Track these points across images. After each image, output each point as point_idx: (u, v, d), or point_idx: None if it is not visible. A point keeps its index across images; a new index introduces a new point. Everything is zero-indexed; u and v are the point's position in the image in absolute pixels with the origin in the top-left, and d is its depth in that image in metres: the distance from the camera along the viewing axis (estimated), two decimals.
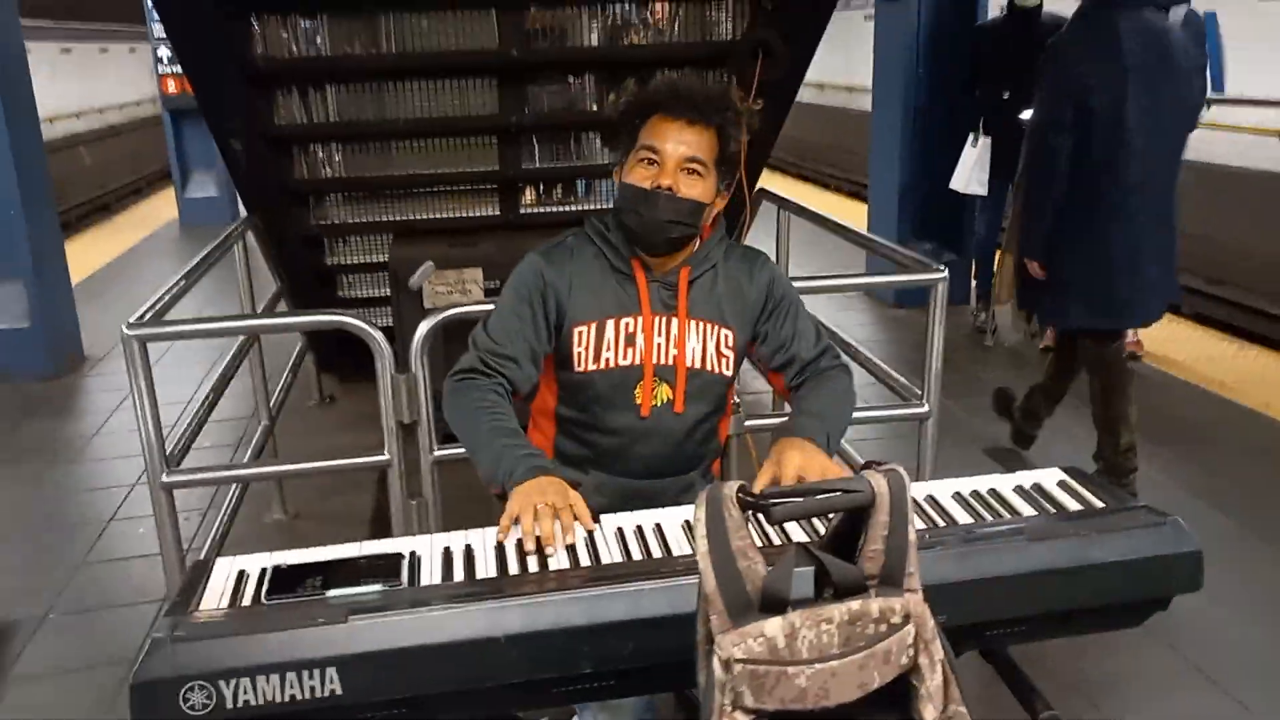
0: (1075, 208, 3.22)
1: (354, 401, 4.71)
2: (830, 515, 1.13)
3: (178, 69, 9.14)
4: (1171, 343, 5.22)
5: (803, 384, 1.87)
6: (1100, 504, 1.58)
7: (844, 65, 11.89)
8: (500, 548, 1.50)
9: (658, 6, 4.16)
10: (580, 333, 1.80)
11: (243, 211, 9.06)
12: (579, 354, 1.80)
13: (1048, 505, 1.59)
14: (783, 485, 1.56)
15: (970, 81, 5.25)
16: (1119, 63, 3.07)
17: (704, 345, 1.81)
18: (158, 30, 9.21)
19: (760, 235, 3.81)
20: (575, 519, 1.53)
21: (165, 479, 2.28)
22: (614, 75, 4.03)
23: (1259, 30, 8.85)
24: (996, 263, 3.85)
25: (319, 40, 3.47)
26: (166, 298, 2.47)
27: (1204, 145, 8.76)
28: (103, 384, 5.08)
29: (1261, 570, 3.04)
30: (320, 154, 3.90)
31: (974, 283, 5.67)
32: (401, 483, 2.36)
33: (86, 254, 8.01)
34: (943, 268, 2.47)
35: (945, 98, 5.58)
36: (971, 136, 5.18)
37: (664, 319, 1.81)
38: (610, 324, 1.80)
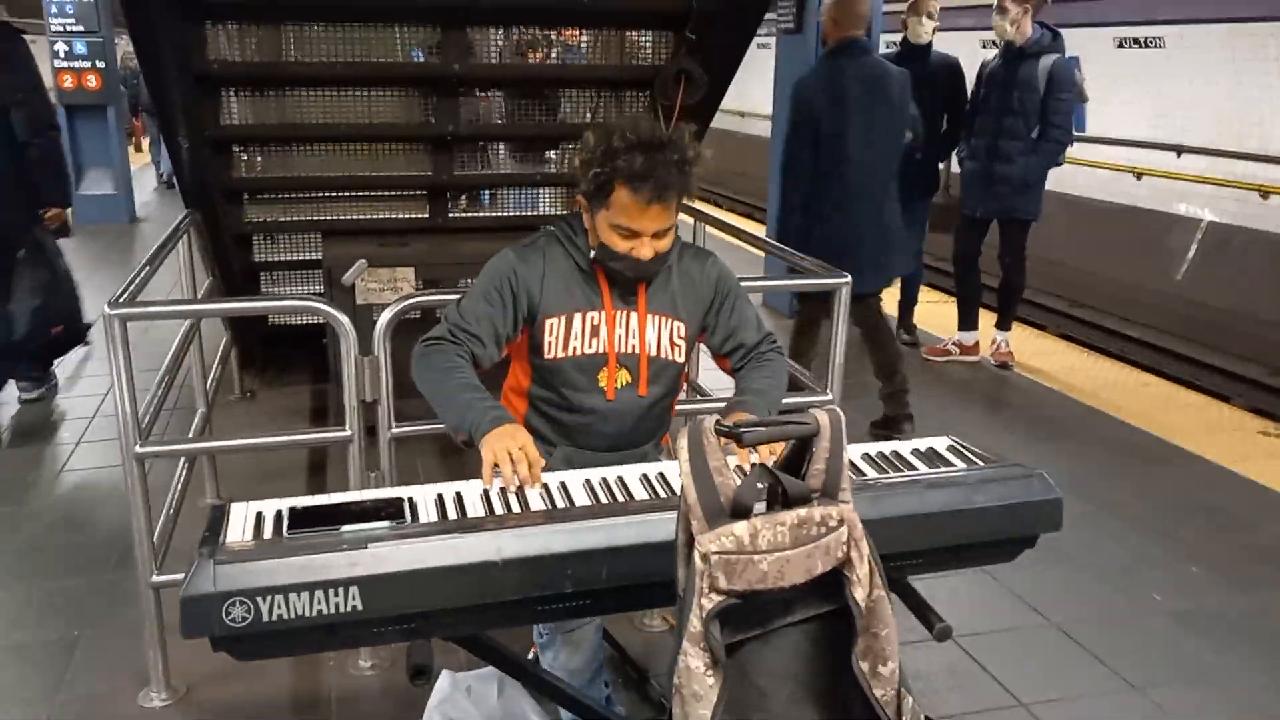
0: (814, 205, 4.12)
1: (273, 396, 4.82)
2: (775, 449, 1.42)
3: (75, 64, 9.00)
4: (1040, 356, 5.75)
5: (745, 366, 2.16)
6: (982, 463, 1.92)
7: (737, 90, 12.40)
8: (485, 493, 1.74)
9: (575, 32, 4.45)
10: (551, 324, 2.04)
11: (138, 211, 8.94)
12: (550, 343, 2.05)
13: (939, 463, 1.91)
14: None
15: None
16: (842, 101, 4.00)
17: (659, 336, 2.08)
18: (55, 24, 9.03)
19: None
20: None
21: (139, 450, 2.41)
22: (538, 92, 4.30)
23: (1117, 75, 9.70)
24: None
25: (266, 49, 3.64)
26: (137, 281, 2.60)
27: (1066, 179, 9.57)
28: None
29: (1110, 541, 3.49)
30: (256, 156, 4.04)
31: None
32: (361, 457, 2.56)
33: None
34: (845, 274, 2.82)
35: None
36: None
37: (625, 313, 2.06)
38: (578, 317, 2.05)
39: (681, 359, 2.12)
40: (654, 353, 2.08)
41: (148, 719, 2.50)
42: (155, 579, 2.48)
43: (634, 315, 2.06)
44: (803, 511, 1.28)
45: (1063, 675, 2.74)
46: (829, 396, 2.89)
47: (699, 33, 3.62)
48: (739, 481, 1.27)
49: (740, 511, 1.26)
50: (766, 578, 1.25)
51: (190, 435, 3.54)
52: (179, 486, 3.03)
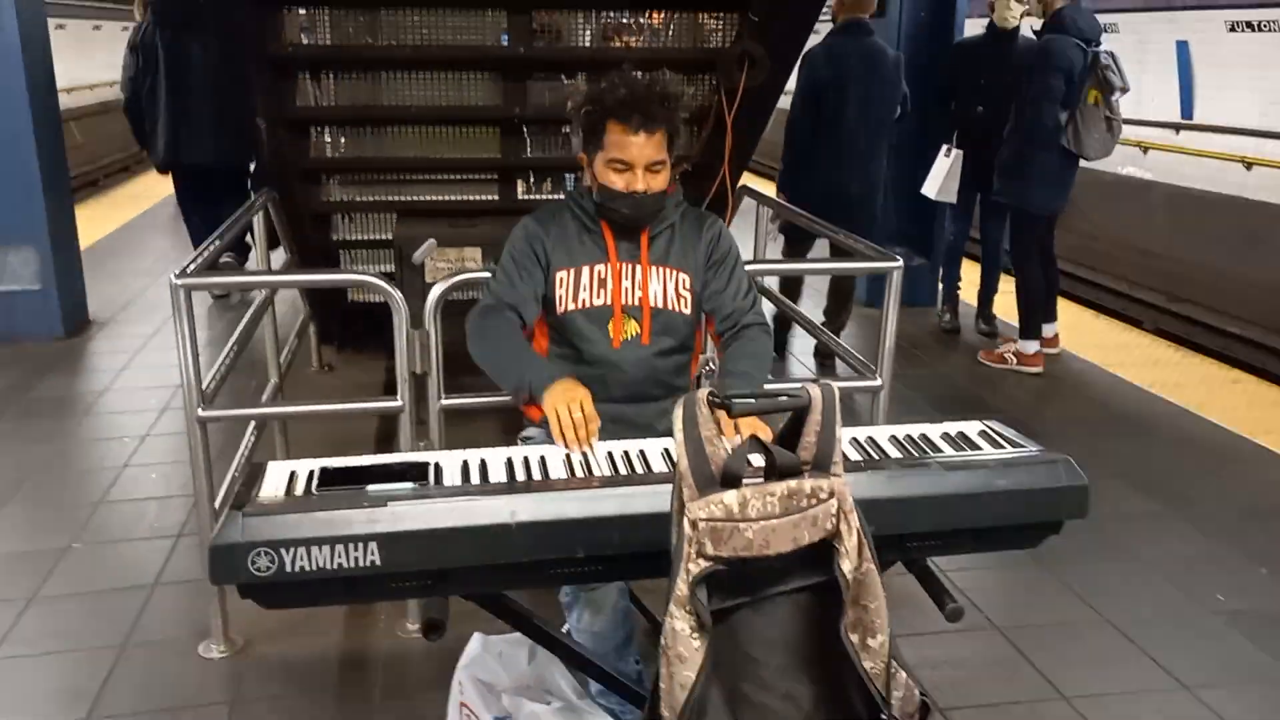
0: (811, 162, 4.75)
1: (351, 371, 4.99)
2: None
3: None
4: (1124, 350, 5.57)
5: (730, 338, 2.21)
6: (1010, 448, 1.89)
7: None
8: (509, 460, 1.79)
9: (654, 14, 4.47)
10: (561, 277, 2.17)
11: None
12: (560, 295, 2.17)
13: (966, 447, 1.89)
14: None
15: (946, 95, 5.57)
16: (843, 74, 4.64)
17: (664, 288, 2.18)
18: None
19: (740, 226, 4.13)
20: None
21: (201, 414, 2.54)
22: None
23: (1228, 60, 9.29)
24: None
25: (340, 31, 3.76)
26: (205, 254, 2.73)
27: (1170, 169, 9.17)
28: (110, 346, 5.33)
29: (1176, 539, 3.39)
30: (334, 137, 4.18)
31: (940, 286, 5.98)
32: (412, 427, 2.64)
33: (84, 226, 8.21)
34: (897, 257, 2.78)
35: (920, 111, 5.89)
36: (945, 148, 5.50)
37: (630, 266, 2.18)
38: (585, 270, 2.17)
39: (689, 311, 2.21)
40: (659, 304, 2.17)
41: (205, 668, 2.64)
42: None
43: (638, 268, 2.17)
44: (793, 483, 1.29)
45: (1111, 670, 2.67)
46: (879, 382, 2.86)
47: (762, 15, 3.61)
48: (729, 452, 1.29)
49: (730, 481, 1.28)
50: (752, 545, 1.27)
51: (264, 399, 3.69)
52: (246, 452, 3.17)
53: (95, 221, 8.42)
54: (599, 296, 2.16)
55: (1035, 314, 5.12)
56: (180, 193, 6.28)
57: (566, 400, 1.90)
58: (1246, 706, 2.52)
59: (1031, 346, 5.11)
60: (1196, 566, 3.21)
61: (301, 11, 3.64)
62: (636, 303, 2.16)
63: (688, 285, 2.20)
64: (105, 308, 5.92)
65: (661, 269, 2.18)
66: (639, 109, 2.02)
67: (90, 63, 14.00)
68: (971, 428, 1.99)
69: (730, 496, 1.27)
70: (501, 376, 2.09)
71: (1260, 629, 2.85)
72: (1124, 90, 4.66)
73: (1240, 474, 3.94)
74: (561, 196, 4.88)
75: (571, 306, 2.16)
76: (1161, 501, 3.65)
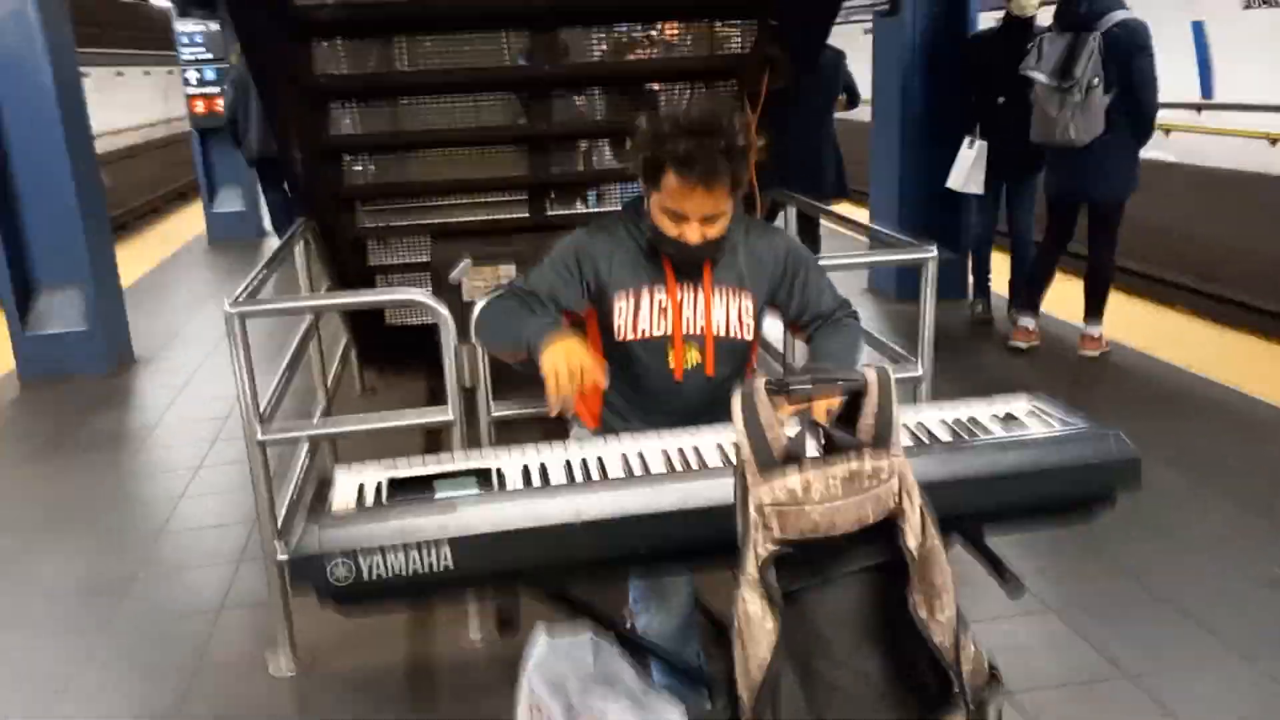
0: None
1: (393, 392, 5.07)
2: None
3: (206, 90, 9.56)
4: (1156, 330, 5.55)
5: (820, 328, 2.17)
6: (1059, 424, 1.91)
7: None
8: (568, 462, 1.84)
9: (668, 26, 4.53)
10: (619, 303, 2.11)
11: (266, 225, 9.46)
12: (619, 324, 2.11)
13: (1017, 424, 1.92)
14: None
15: (966, 87, 5.59)
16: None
17: (727, 314, 2.11)
18: (186, 54, 9.61)
19: None
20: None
21: (261, 436, 2.62)
22: (634, 88, 4.40)
23: (1246, 37, 9.23)
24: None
25: (369, 61, 3.85)
26: (255, 283, 2.80)
27: (1193, 149, 9.09)
28: (156, 382, 5.45)
29: (1214, 517, 3.40)
30: (368, 164, 4.27)
31: (970, 278, 5.99)
32: (463, 439, 2.70)
33: (121, 267, 8.37)
34: (931, 246, 2.81)
35: (940, 105, 5.92)
36: (968, 139, 5.52)
37: (692, 290, 2.10)
38: (645, 294, 2.10)
39: (750, 336, 2.14)
40: (721, 332, 2.10)
41: (276, 685, 2.71)
42: (279, 556, 2.68)
43: (700, 292, 2.10)
44: (854, 464, 1.33)
45: (1169, 647, 2.68)
46: (920, 371, 2.89)
47: (781, 19, 3.65)
48: (790, 435, 1.34)
49: (792, 460, 1.32)
50: (818, 526, 1.31)
51: (315, 419, 3.77)
52: (302, 471, 3.24)
53: (130, 262, 8.58)
54: (659, 327, 2.09)
55: (1034, 289, 5.35)
56: (264, 180, 8.09)
57: (566, 359, 1.83)
58: None
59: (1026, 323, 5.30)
60: (1238, 539, 3.22)
61: (327, 45, 3.71)
62: (699, 332, 2.10)
63: (750, 310, 2.12)
64: (148, 344, 6.05)
65: (724, 290, 2.10)
66: (700, 162, 1.90)
67: (114, 109, 14.26)
68: (1019, 405, 2.01)
69: (794, 480, 1.31)
70: (501, 342, 2.03)
71: None
72: (1039, 71, 4.83)
73: (1273, 445, 3.93)
74: (585, 211, 4.96)
75: (631, 336, 2.10)
76: (1198, 476, 3.65)
